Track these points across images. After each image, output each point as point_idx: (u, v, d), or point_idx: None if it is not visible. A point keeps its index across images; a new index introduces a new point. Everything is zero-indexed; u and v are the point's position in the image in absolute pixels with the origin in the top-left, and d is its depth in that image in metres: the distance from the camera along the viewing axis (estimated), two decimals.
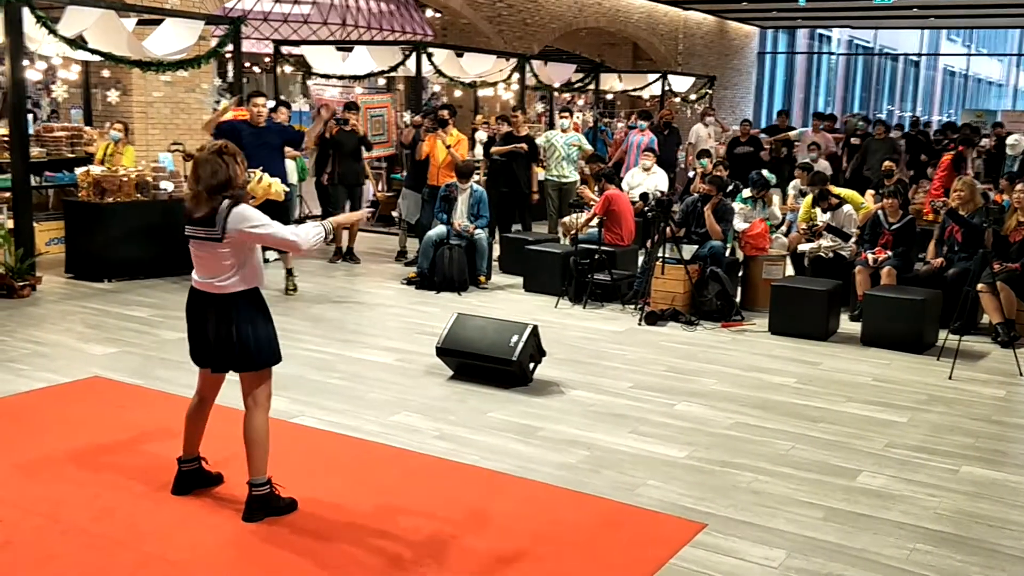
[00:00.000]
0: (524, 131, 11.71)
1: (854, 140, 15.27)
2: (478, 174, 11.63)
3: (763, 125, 24.91)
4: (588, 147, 12.39)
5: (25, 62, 8.94)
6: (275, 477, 4.35)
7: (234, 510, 4.29)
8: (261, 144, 8.63)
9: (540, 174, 12.18)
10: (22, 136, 8.86)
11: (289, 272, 9.09)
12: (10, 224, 8.88)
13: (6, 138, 9.48)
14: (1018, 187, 8.22)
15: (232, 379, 4.37)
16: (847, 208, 9.24)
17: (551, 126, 14.52)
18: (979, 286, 7.81)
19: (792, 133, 15.52)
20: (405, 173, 12.34)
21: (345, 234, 11.09)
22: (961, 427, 5.83)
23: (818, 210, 9.41)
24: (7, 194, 9.20)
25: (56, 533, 4.04)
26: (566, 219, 11.04)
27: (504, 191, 11.25)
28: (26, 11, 8.64)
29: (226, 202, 4.12)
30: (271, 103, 11.29)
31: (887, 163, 12.06)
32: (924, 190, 10.94)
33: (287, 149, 11.06)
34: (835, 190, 9.73)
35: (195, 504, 4.37)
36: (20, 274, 8.54)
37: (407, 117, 12.97)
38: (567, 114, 12.57)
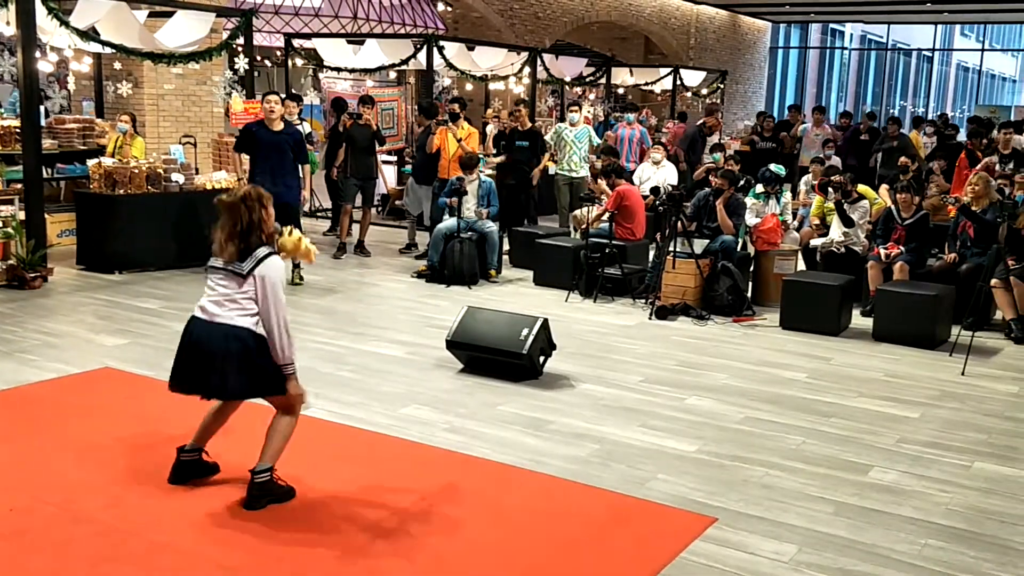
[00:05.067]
0: (528, 125, 11.69)
1: (863, 137, 15.19)
2: (488, 167, 11.61)
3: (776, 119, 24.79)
4: (596, 141, 12.35)
5: (37, 54, 8.95)
6: (285, 469, 4.36)
7: (239, 502, 4.29)
8: (274, 148, 8.65)
9: (551, 168, 12.15)
10: (34, 128, 8.88)
11: (296, 264, 9.10)
12: (22, 216, 8.90)
13: (18, 130, 9.50)
14: None
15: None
16: (864, 203, 9.19)
17: (562, 120, 14.49)
18: (992, 282, 7.77)
19: (794, 131, 15.39)
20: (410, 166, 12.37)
21: (355, 228, 11.09)
22: (973, 423, 5.79)
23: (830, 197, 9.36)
24: (19, 186, 9.23)
25: (67, 521, 4.06)
26: (577, 212, 11.02)
27: (511, 184, 11.23)
28: (38, 3, 8.65)
29: (265, 249, 4.17)
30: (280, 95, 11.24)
31: (903, 159, 12.00)
32: (938, 185, 10.86)
33: None
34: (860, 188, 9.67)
35: (205, 493, 4.37)
36: (32, 265, 8.56)
37: (418, 111, 12.98)
38: (576, 108, 12.53)
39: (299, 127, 11.24)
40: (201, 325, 4.23)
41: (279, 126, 8.80)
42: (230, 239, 4.17)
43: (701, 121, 15.75)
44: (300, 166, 9.01)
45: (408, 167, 14.78)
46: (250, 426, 4.57)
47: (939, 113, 23.18)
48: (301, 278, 9.17)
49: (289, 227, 4.73)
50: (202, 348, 4.20)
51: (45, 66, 10.29)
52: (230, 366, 4.16)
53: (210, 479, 4.50)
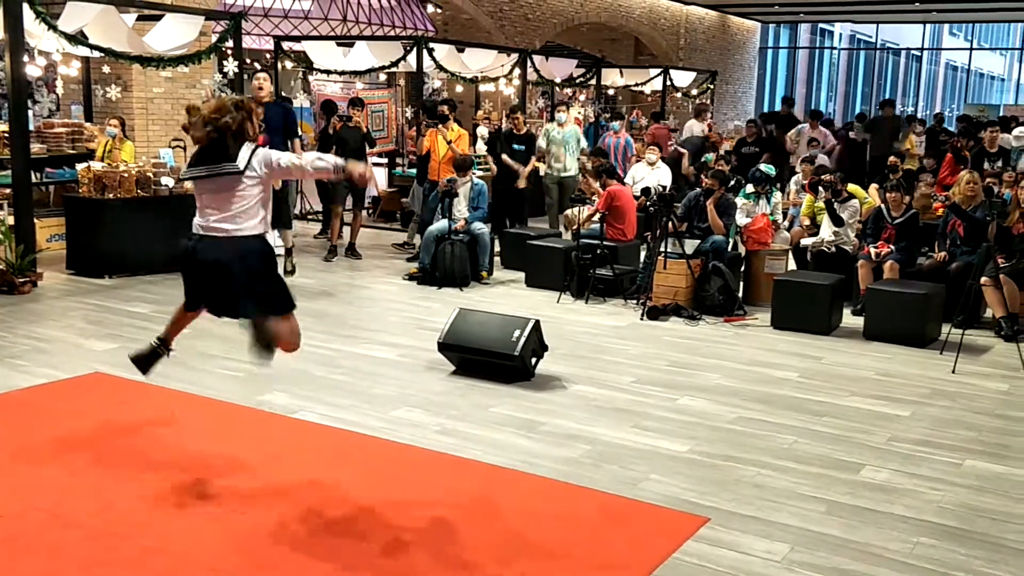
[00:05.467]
0: (524, 130, 11.70)
1: (852, 135, 15.24)
2: (480, 168, 11.61)
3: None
4: (584, 143, 12.36)
5: (25, 58, 8.92)
6: (277, 471, 4.34)
7: (234, 504, 4.28)
8: (264, 120, 8.68)
9: (540, 168, 12.16)
10: (23, 132, 8.85)
11: (288, 252, 9.12)
12: (11, 220, 8.87)
13: (6, 134, 9.46)
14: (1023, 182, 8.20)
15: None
16: (854, 203, 9.21)
17: (552, 120, 14.50)
18: (982, 280, 7.79)
19: (791, 133, 15.39)
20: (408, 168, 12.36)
21: (346, 230, 11.08)
22: (964, 421, 5.81)
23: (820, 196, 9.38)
24: (8, 191, 9.19)
25: (57, 527, 4.03)
26: (568, 212, 11.02)
27: (501, 188, 11.24)
28: (26, 7, 8.61)
29: (250, 145, 4.24)
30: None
31: (892, 158, 12.04)
32: (927, 183, 10.90)
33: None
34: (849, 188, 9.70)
35: (195, 498, 4.36)
36: (21, 270, 8.53)
37: (408, 113, 12.97)
38: (564, 108, 12.53)
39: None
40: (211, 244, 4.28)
41: (268, 99, 8.97)
42: (201, 123, 4.23)
43: (705, 135, 15.73)
44: (290, 140, 9.07)
45: (399, 169, 14.78)
46: (248, 438, 4.56)
47: (935, 113, 23.23)
48: (294, 267, 9.20)
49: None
50: (221, 268, 4.26)
51: (33, 70, 10.24)
52: (250, 283, 4.22)
53: (202, 487, 4.48)
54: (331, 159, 4.38)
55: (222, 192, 4.24)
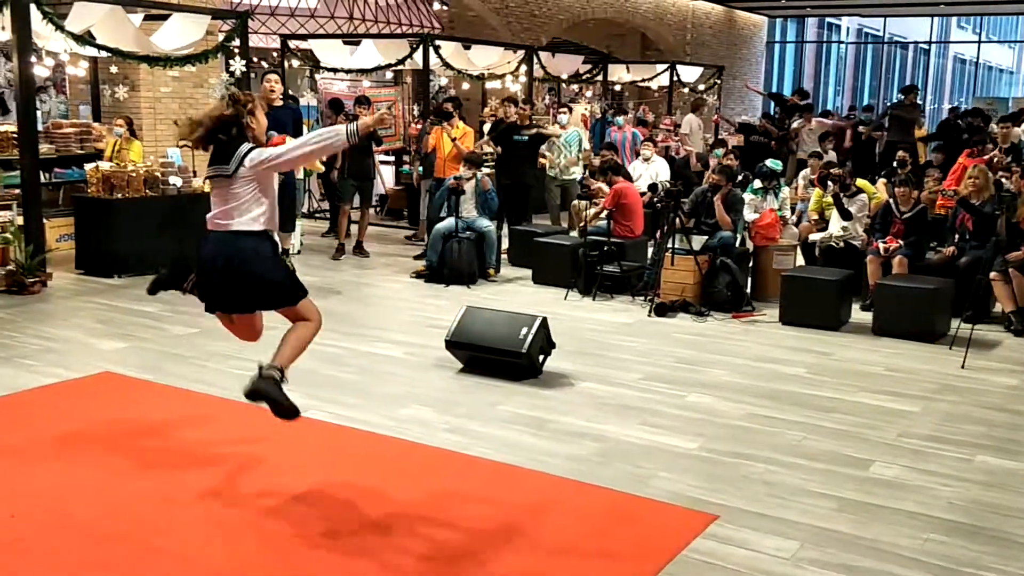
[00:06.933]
0: (528, 121, 11.65)
1: (862, 129, 15.17)
2: (487, 165, 11.60)
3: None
4: (586, 146, 12.35)
5: (33, 59, 8.94)
6: (285, 471, 4.35)
7: (240, 506, 4.29)
8: (275, 125, 8.69)
9: (547, 168, 12.15)
10: (31, 133, 8.88)
11: (285, 252, 9.08)
12: (20, 221, 8.90)
13: (15, 135, 9.49)
14: None
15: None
16: (862, 197, 9.19)
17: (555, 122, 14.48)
18: (991, 274, 7.76)
19: (795, 123, 15.34)
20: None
21: (354, 228, 11.09)
22: (974, 416, 5.79)
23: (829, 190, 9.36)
24: (17, 191, 9.22)
25: (65, 528, 4.05)
26: (576, 202, 11.00)
27: (506, 183, 11.22)
28: (33, 7, 8.63)
29: (247, 145, 4.25)
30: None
31: (900, 153, 11.99)
32: (935, 178, 10.85)
33: None
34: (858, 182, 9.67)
35: (202, 499, 4.37)
36: (30, 271, 8.55)
37: (416, 111, 12.97)
38: (566, 110, 12.52)
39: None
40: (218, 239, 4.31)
41: (279, 103, 8.94)
42: (201, 123, 4.27)
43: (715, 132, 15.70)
44: None
45: (407, 167, 14.77)
46: (257, 438, 4.57)
47: (951, 107, 23.08)
48: (293, 268, 9.15)
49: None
50: (225, 264, 4.27)
51: (41, 71, 10.27)
52: (244, 279, 4.25)
53: (211, 488, 4.49)
54: (337, 128, 4.22)
55: (222, 189, 4.29)
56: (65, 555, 3.82)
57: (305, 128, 11.34)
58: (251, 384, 4.15)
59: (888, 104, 16.88)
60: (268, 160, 4.25)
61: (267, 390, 4.14)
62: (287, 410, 4.16)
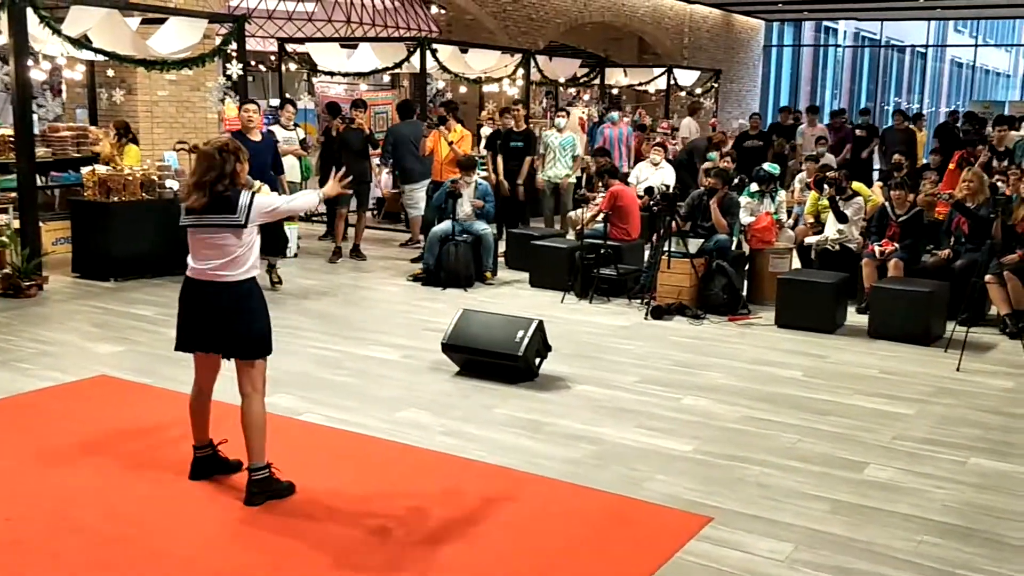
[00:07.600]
0: (523, 126, 11.69)
1: (859, 132, 15.19)
2: (484, 169, 11.61)
3: (769, 119, 24.80)
4: (580, 151, 12.37)
5: (29, 62, 8.95)
6: (281, 474, 4.36)
7: (236, 509, 4.30)
8: (254, 157, 8.70)
9: (538, 171, 12.17)
10: (28, 136, 8.88)
11: (271, 266, 9.07)
12: (16, 224, 8.90)
13: (12, 138, 9.49)
14: None
15: (226, 374, 4.38)
16: (858, 200, 9.20)
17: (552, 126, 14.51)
18: (987, 277, 7.78)
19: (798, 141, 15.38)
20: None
21: (351, 232, 11.09)
22: (969, 419, 5.80)
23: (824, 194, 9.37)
24: (13, 194, 9.22)
25: (64, 531, 4.05)
26: (572, 213, 11.01)
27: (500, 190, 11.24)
28: (30, 11, 8.64)
29: (246, 193, 4.30)
30: (275, 101, 11.23)
31: (896, 156, 12.02)
32: (931, 181, 10.87)
33: (293, 148, 11.08)
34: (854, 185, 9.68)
35: (202, 500, 4.38)
36: (27, 274, 8.56)
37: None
38: (563, 113, 12.54)
39: (294, 132, 11.26)
40: (196, 284, 4.40)
41: (256, 136, 9.01)
42: (198, 187, 4.28)
43: (708, 136, 15.69)
44: (277, 176, 9.23)
45: None
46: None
47: (950, 111, 23.08)
48: (280, 278, 9.14)
49: (258, 184, 4.89)
50: (198, 306, 4.42)
51: (38, 74, 10.27)
52: (232, 319, 4.34)
53: (216, 487, 4.49)
54: (309, 194, 4.67)
55: (216, 237, 4.29)
56: (65, 557, 3.83)
57: (303, 131, 11.39)
58: (250, 497, 4.31)
59: (883, 128, 16.94)
60: (276, 210, 4.44)
61: (266, 492, 4.34)
62: (287, 491, 4.41)
